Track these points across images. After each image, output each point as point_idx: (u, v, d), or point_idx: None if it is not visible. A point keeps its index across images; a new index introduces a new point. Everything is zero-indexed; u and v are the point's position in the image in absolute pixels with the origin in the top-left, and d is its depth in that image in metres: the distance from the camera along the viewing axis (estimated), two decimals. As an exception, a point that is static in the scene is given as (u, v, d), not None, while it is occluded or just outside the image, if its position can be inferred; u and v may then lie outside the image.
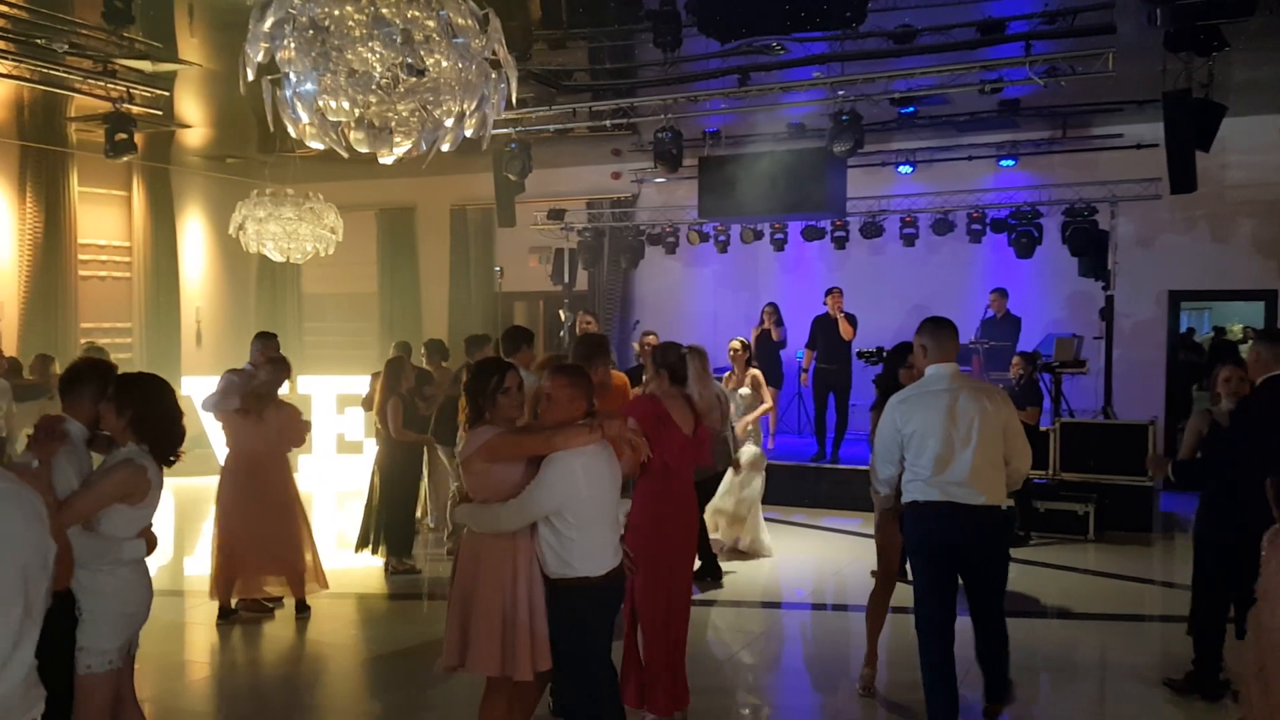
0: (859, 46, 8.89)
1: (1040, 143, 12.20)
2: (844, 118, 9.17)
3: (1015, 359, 9.49)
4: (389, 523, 7.99)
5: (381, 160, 4.57)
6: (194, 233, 15.24)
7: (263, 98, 4.48)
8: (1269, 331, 5.13)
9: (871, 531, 5.82)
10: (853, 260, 12.77)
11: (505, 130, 10.30)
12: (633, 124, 10.80)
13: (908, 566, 6.08)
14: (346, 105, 4.16)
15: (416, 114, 4.30)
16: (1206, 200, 10.83)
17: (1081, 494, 9.50)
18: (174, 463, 3.71)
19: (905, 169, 12.62)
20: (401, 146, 4.45)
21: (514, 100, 4.58)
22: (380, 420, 7.94)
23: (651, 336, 9.25)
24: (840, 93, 9.37)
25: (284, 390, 7.00)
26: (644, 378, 5.48)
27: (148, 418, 3.60)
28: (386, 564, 8.06)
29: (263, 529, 6.68)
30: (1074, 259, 11.32)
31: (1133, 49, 8.23)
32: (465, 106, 4.38)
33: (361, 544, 8.18)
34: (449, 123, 4.34)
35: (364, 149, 4.56)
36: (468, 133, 4.57)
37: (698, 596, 6.59)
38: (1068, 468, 9.78)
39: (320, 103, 4.18)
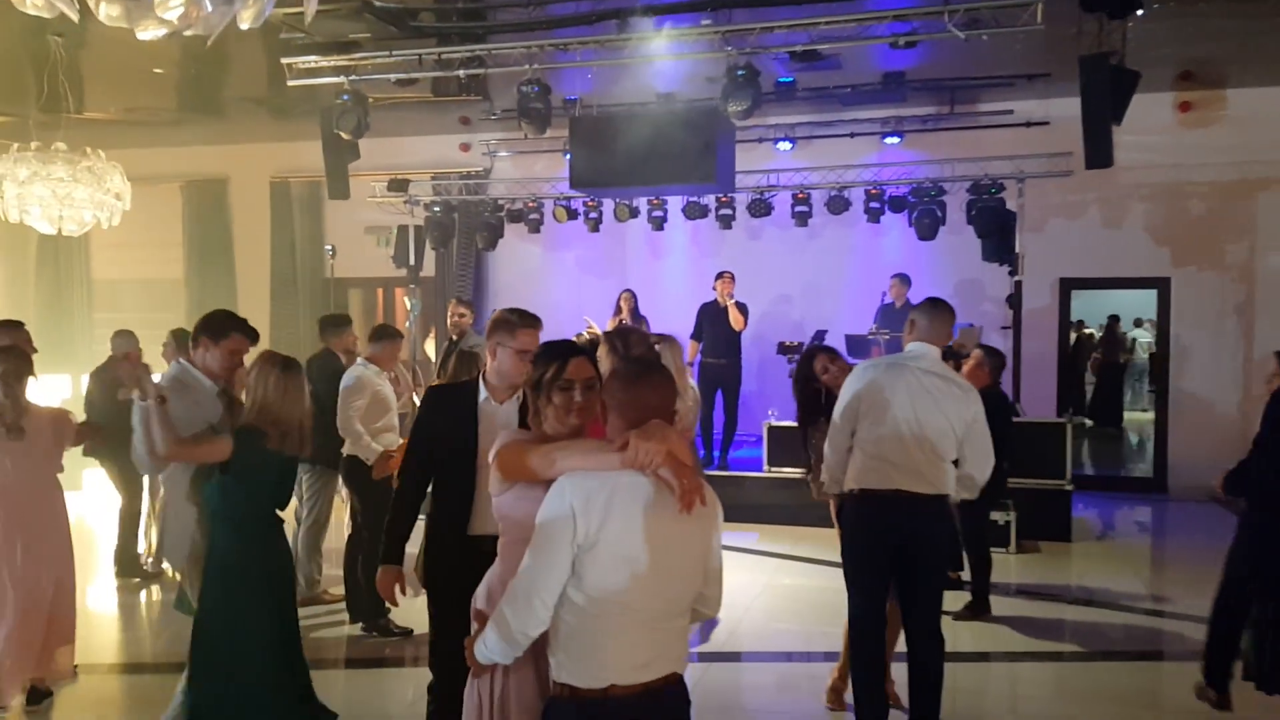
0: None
1: (927, 119, 11.38)
2: (739, 73, 7.93)
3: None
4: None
5: (141, 36, 2.95)
6: (-46, 208, 12.76)
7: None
8: None
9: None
10: (730, 244, 11.63)
11: (336, 79, 8.60)
12: (481, 83, 9.22)
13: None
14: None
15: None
16: (1097, 183, 10.20)
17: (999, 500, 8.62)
18: None
19: (785, 145, 11.56)
20: (172, 10, 2.81)
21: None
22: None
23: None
24: (728, 48, 8.13)
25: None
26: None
27: None
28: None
29: (40, 585, 4.97)
30: (969, 244, 10.53)
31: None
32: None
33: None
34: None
35: (120, 24, 2.93)
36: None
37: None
38: (980, 471, 8.89)
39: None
